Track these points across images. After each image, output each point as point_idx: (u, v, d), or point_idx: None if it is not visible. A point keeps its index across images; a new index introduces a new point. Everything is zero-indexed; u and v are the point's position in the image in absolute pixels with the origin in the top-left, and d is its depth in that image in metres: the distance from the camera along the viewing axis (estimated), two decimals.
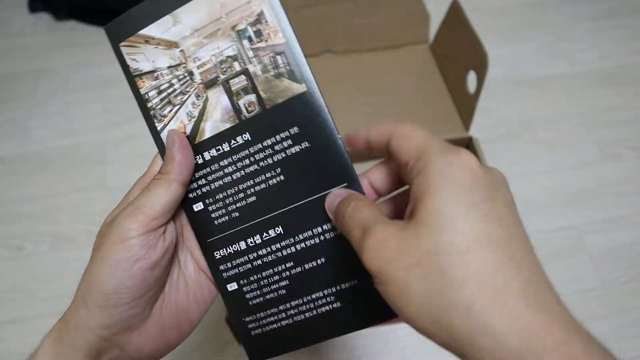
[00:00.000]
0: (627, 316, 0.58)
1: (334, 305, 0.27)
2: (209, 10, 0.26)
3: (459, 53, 0.61)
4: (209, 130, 0.27)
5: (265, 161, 0.26)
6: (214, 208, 0.27)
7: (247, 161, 0.27)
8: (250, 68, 0.26)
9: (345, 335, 0.28)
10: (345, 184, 0.26)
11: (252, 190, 0.27)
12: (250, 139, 0.26)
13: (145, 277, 0.25)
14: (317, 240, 0.27)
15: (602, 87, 0.79)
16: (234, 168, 0.27)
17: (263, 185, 0.27)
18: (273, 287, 0.28)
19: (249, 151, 0.26)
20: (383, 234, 0.20)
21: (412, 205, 0.21)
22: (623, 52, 0.83)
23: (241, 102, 0.26)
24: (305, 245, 0.27)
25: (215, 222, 0.28)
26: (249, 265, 0.28)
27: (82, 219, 0.68)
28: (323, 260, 0.27)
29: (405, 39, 0.70)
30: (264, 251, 0.27)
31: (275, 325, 0.28)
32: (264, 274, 0.28)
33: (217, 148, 0.27)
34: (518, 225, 0.20)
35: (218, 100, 0.27)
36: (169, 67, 0.27)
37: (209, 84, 0.27)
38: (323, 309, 0.27)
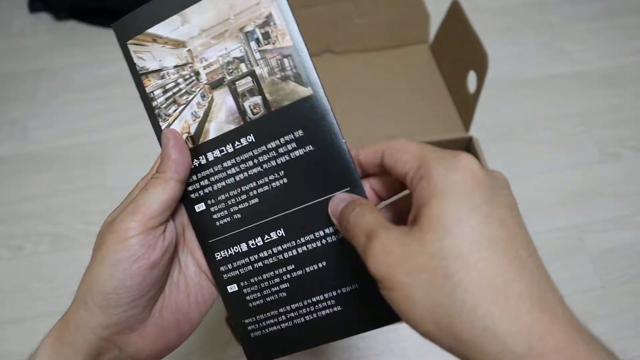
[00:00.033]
0: (627, 316, 0.58)
1: (335, 309, 0.27)
2: (218, 11, 0.26)
3: (459, 53, 0.61)
4: (213, 130, 0.27)
5: (268, 163, 0.26)
6: (216, 209, 0.27)
7: (250, 163, 0.26)
8: (257, 70, 0.26)
9: None
10: (349, 189, 0.26)
11: (255, 192, 0.27)
12: (254, 140, 0.26)
13: (145, 277, 0.25)
14: (318, 244, 0.26)
15: (602, 87, 0.79)
16: (237, 169, 0.27)
17: (266, 188, 0.27)
18: (274, 289, 0.27)
19: (253, 153, 0.26)
20: (387, 239, 0.21)
21: (415, 212, 0.21)
22: (623, 52, 0.83)
23: (246, 104, 0.26)
24: (307, 248, 0.27)
25: (217, 223, 0.28)
26: (250, 267, 0.28)
27: (82, 219, 0.68)
28: (324, 263, 0.27)
29: (405, 39, 0.70)
30: (265, 253, 0.27)
31: (275, 328, 0.28)
32: (264, 276, 0.27)
33: (220, 149, 0.27)
34: (520, 226, 0.20)
35: (223, 101, 0.27)
36: (176, 66, 0.27)
37: (215, 85, 0.27)
38: (324, 312, 0.27)
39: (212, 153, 0.27)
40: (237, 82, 0.26)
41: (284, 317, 0.28)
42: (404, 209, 0.26)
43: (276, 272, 0.27)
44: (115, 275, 0.24)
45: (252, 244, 0.27)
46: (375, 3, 0.67)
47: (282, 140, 0.26)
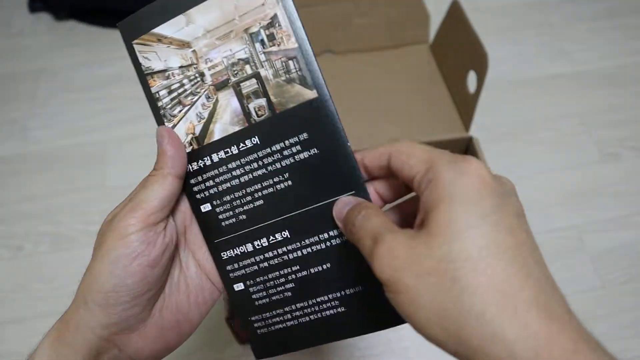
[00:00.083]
0: (627, 316, 0.58)
1: (339, 310, 0.27)
2: (223, 12, 0.25)
3: (459, 53, 0.61)
4: (218, 132, 0.27)
5: (273, 165, 0.26)
6: (221, 210, 0.27)
7: (255, 165, 0.27)
8: (262, 72, 0.26)
9: None
10: (353, 192, 0.26)
11: (260, 194, 0.27)
12: (259, 142, 0.26)
13: (145, 275, 0.24)
14: (323, 246, 0.27)
15: (602, 87, 0.79)
16: (242, 171, 0.27)
17: (270, 190, 0.27)
18: (279, 289, 0.28)
19: (258, 155, 0.26)
20: (394, 242, 0.20)
21: (423, 216, 0.21)
22: (623, 52, 0.83)
23: (251, 106, 0.26)
24: (312, 250, 0.27)
25: (223, 223, 0.28)
26: (256, 267, 0.28)
27: (82, 219, 0.68)
28: (329, 265, 0.27)
29: (405, 39, 0.70)
30: (271, 254, 0.27)
31: (280, 326, 0.28)
32: (270, 275, 0.28)
33: (225, 150, 0.27)
34: (528, 234, 0.20)
35: (228, 103, 0.26)
36: (181, 67, 0.27)
37: (220, 86, 0.27)
38: (328, 312, 0.27)
39: (217, 154, 0.27)
40: (242, 84, 0.26)
41: (289, 316, 0.28)
42: (409, 212, 0.26)
43: (281, 272, 0.28)
44: (114, 273, 0.24)
45: (258, 245, 0.27)
46: (375, 3, 0.67)
47: (286, 142, 0.26)
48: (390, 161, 0.24)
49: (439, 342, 0.19)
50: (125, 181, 0.71)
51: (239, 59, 0.26)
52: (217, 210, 0.28)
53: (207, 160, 0.27)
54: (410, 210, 0.26)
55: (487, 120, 0.73)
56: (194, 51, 0.26)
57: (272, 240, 0.27)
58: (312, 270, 0.27)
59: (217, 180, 0.27)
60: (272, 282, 0.28)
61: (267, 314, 0.28)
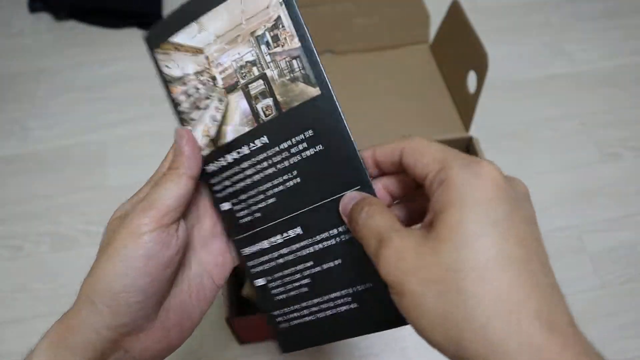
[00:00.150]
0: (627, 316, 0.58)
1: (352, 306, 0.27)
2: (230, 17, 0.26)
3: (459, 53, 0.61)
4: (230, 133, 0.28)
5: (282, 164, 0.27)
6: (239, 208, 0.28)
7: (265, 164, 0.27)
8: (268, 72, 0.26)
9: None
10: (359, 187, 0.26)
11: (272, 191, 0.27)
12: (268, 142, 0.27)
13: (158, 276, 0.24)
14: (333, 242, 0.27)
15: (603, 87, 0.79)
16: (254, 170, 0.28)
17: (281, 187, 0.27)
18: (295, 284, 0.28)
19: (267, 154, 0.27)
20: (400, 245, 0.20)
21: (432, 216, 0.21)
22: (623, 52, 0.83)
23: (259, 106, 0.27)
24: (323, 246, 0.27)
25: (240, 221, 0.29)
26: (273, 263, 0.29)
27: (82, 219, 0.68)
28: (340, 261, 0.27)
29: (405, 39, 0.70)
30: (286, 250, 0.28)
31: (299, 321, 0.29)
32: (286, 271, 0.28)
33: (237, 151, 0.28)
34: (538, 243, 0.20)
35: (238, 105, 0.27)
36: (195, 72, 0.28)
37: (230, 89, 0.27)
38: (342, 308, 0.28)
39: (231, 155, 0.28)
40: (250, 85, 0.27)
41: (306, 312, 0.29)
42: (415, 208, 0.26)
43: (296, 269, 0.28)
44: (127, 273, 0.23)
45: (273, 241, 0.28)
46: (375, 3, 0.67)
47: (293, 140, 0.26)
48: (403, 158, 0.23)
49: (441, 347, 0.19)
50: (126, 181, 0.72)
51: (246, 62, 0.27)
52: (235, 208, 0.29)
53: (223, 161, 0.28)
54: (416, 206, 0.26)
55: (487, 120, 0.73)
56: (206, 57, 0.27)
57: (286, 237, 0.28)
58: (324, 266, 0.28)
59: (232, 180, 0.28)
60: (288, 278, 0.29)
61: (287, 309, 0.29)
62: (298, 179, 0.27)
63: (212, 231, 0.30)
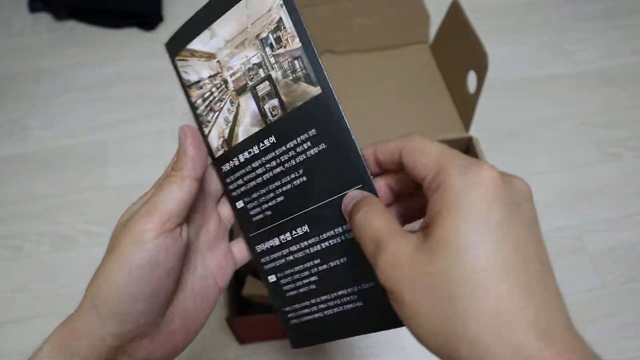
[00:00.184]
0: (627, 316, 0.58)
1: (358, 304, 0.28)
2: (238, 22, 0.27)
3: (459, 53, 0.61)
4: (241, 134, 0.29)
5: (289, 162, 0.28)
6: (251, 206, 0.30)
7: (273, 163, 0.28)
8: (273, 74, 0.27)
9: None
10: (360, 185, 0.26)
11: (280, 190, 0.28)
12: (275, 141, 0.28)
13: (163, 282, 0.24)
14: (338, 240, 0.27)
15: (602, 87, 0.79)
16: (264, 169, 0.28)
17: (289, 186, 0.28)
18: (304, 281, 0.29)
19: (275, 153, 0.28)
20: (396, 251, 0.20)
21: (429, 220, 0.20)
22: (623, 52, 0.83)
23: (266, 107, 0.28)
24: (329, 244, 0.28)
25: (253, 219, 0.30)
26: (283, 260, 0.29)
27: (82, 219, 0.68)
28: (345, 259, 0.28)
29: (405, 39, 0.70)
30: (295, 247, 0.29)
31: (309, 317, 0.30)
32: (296, 268, 0.29)
33: (248, 151, 0.29)
34: (538, 244, 0.19)
35: (247, 106, 0.28)
36: (209, 76, 0.29)
37: (240, 91, 0.28)
38: (348, 306, 0.28)
39: (243, 155, 0.29)
40: (257, 87, 0.28)
41: (315, 308, 0.29)
42: (413, 206, 0.26)
43: (305, 266, 0.29)
44: (131, 280, 0.23)
45: (283, 239, 0.29)
46: (375, 3, 0.67)
47: (298, 139, 0.27)
48: (402, 156, 0.23)
49: (436, 354, 0.19)
50: (126, 181, 0.72)
51: (253, 64, 0.27)
52: (248, 206, 0.30)
53: (236, 160, 0.29)
54: (415, 205, 0.26)
55: (487, 120, 0.73)
56: (218, 61, 0.28)
57: (295, 234, 0.29)
58: (331, 264, 0.28)
59: (245, 179, 0.29)
60: (297, 275, 0.29)
61: (297, 305, 0.30)
62: (304, 178, 0.27)
63: (217, 233, 0.29)
